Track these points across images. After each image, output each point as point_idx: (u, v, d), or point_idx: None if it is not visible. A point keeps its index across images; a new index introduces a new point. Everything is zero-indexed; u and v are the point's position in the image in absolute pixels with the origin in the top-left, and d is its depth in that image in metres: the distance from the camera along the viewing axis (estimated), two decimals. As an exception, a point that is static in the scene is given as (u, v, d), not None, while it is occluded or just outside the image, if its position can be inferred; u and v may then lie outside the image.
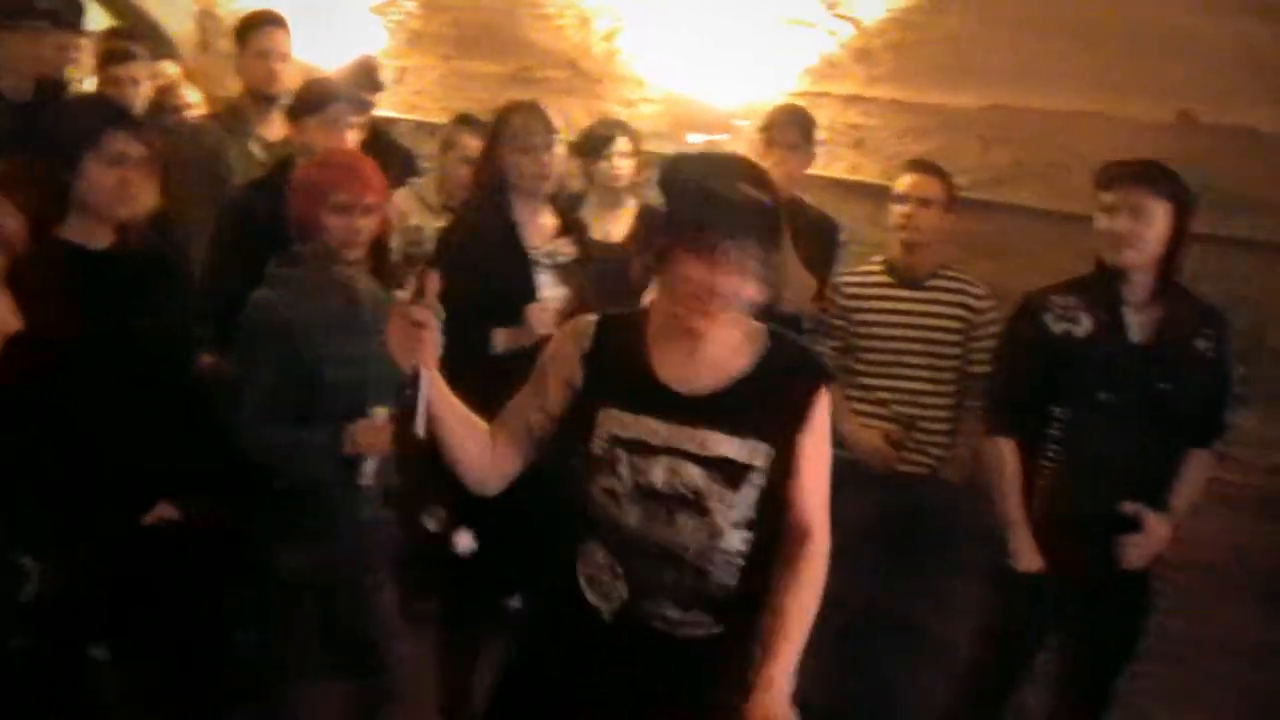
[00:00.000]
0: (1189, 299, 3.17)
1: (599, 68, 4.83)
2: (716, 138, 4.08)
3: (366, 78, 4.35)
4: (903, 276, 3.80)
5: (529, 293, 3.41)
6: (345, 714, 3.12)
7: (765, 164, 3.88)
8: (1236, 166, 3.51)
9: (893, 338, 3.78)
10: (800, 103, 4.12)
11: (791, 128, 3.92)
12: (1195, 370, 3.15)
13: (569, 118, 4.14)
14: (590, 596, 2.20)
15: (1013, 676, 3.33)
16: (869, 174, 4.09)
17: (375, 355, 2.91)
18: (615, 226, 4.13)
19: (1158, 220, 3.07)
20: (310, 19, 4.79)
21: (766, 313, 2.22)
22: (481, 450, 2.23)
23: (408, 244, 3.85)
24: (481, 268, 3.30)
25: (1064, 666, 3.30)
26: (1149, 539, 3.12)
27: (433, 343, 2.06)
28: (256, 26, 4.25)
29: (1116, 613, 3.24)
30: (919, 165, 3.81)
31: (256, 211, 3.37)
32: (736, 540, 2.16)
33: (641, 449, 2.14)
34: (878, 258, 3.87)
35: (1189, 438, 3.19)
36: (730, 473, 2.14)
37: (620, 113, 4.56)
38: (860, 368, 3.82)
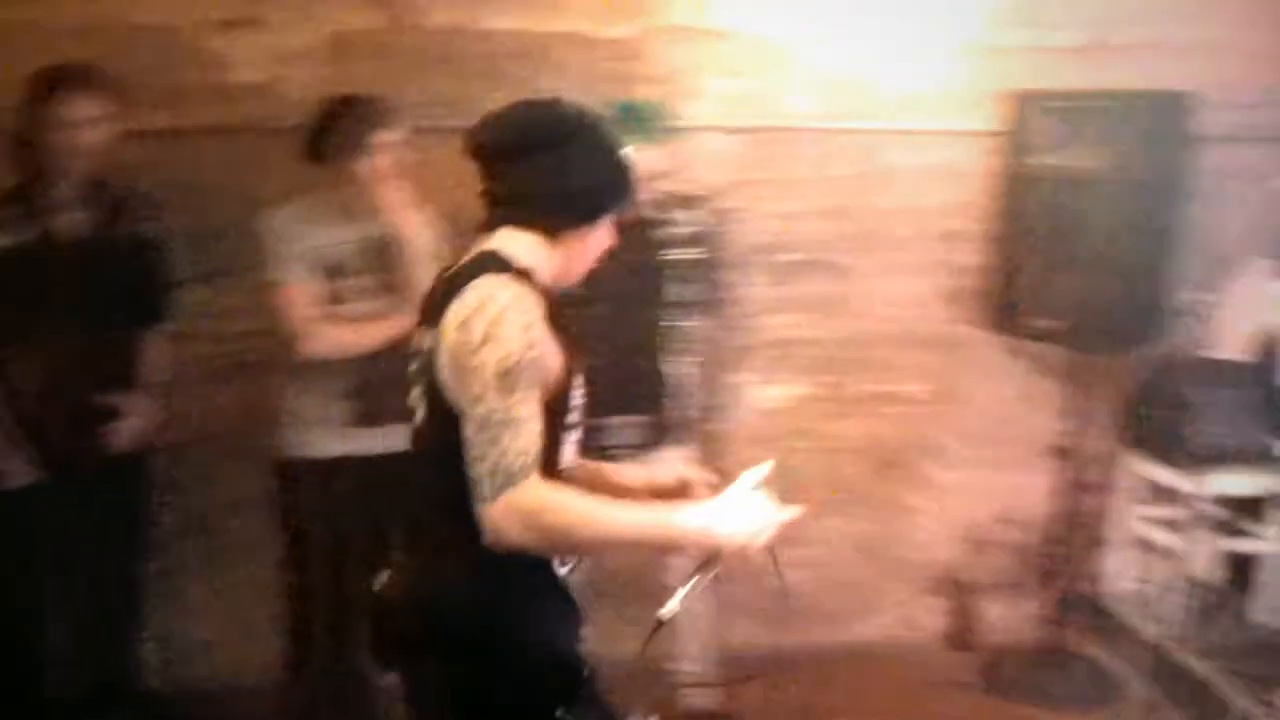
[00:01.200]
0: (123, 191, 3.34)
1: None
2: None
3: None
4: None
5: None
6: None
7: None
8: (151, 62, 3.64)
9: None
10: None
11: None
12: (136, 257, 3.37)
13: None
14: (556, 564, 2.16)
15: (34, 595, 3.35)
16: None
17: None
18: None
19: (95, 124, 3.19)
20: None
21: None
22: None
23: None
24: None
25: (85, 564, 3.39)
26: (130, 421, 3.34)
27: None
28: None
29: (124, 497, 3.44)
30: None
31: None
32: None
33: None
34: None
35: (142, 319, 3.43)
36: None
37: None
38: None
